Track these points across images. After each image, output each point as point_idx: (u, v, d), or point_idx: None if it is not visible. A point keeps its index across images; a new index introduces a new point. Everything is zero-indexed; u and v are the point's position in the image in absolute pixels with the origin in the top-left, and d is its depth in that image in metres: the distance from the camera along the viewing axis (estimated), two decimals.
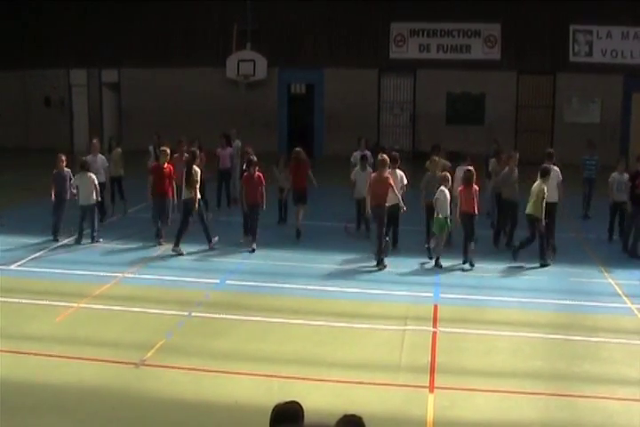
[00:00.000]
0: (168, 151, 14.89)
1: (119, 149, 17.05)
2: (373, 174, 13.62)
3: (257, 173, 14.29)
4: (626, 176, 14.91)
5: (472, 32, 27.14)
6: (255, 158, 14.51)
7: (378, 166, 13.43)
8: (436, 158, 14.53)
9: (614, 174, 15.28)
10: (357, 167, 15.61)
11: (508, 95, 27.05)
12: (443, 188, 13.43)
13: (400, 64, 27.59)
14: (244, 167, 14.77)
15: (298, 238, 15.15)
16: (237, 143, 18.75)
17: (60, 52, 28.53)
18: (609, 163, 16.77)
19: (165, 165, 14.72)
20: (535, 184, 13.52)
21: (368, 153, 16.58)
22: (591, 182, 17.48)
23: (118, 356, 9.33)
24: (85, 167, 14.81)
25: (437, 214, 13.39)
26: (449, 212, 13.49)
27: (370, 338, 10.21)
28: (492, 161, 16.19)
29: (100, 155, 16.17)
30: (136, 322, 10.68)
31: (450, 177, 13.81)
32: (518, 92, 27.26)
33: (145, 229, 14.52)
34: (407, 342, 9.96)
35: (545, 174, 13.44)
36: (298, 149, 16.04)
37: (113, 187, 16.91)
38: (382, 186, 13.14)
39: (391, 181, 13.26)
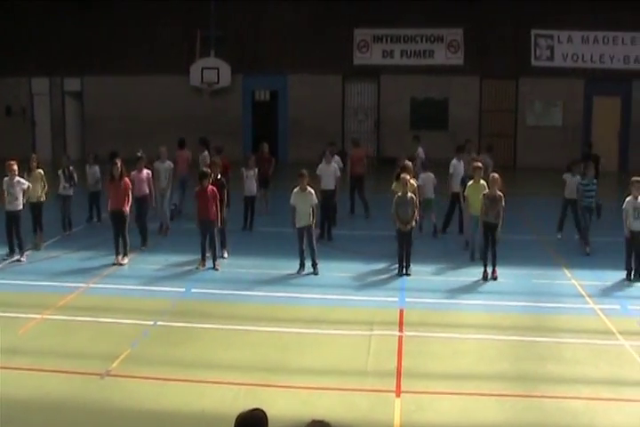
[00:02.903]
0: (119, 165, 14.03)
1: (40, 171, 15.24)
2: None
3: (210, 186, 13.66)
4: (578, 178, 15.39)
5: (435, 37, 27.33)
6: (209, 171, 14.00)
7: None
8: (407, 177, 13.54)
9: (567, 175, 15.74)
10: (322, 162, 16.26)
11: (472, 100, 27.28)
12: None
13: (364, 70, 27.71)
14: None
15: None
16: (168, 164, 16.71)
17: (21, 61, 28.23)
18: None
19: (122, 179, 14.07)
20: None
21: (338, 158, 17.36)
22: (591, 211, 15.10)
23: (83, 367, 9.25)
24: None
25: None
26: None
27: (336, 344, 10.22)
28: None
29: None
30: (101, 332, 10.58)
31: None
32: (481, 96, 27.50)
33: (109, 239, 14.40)
34: (373, 346, 9.98)
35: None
36: (264, 143, 18.49)
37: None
38: None
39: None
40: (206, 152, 18.02)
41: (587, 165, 15.33)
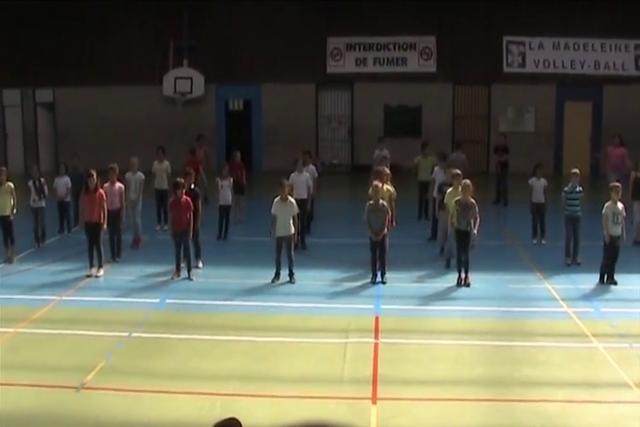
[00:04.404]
0: (94, 177, 13.95)
1: (10, 184, 14.92)
2: None
3: (184, 196, 13.61)
4: (543, 181, 15.73)
5: (408, 45, 27.46)
6: (183, 181, 13.85)
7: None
8: (379, 184, 13.49)
9: (533, 179, 15.88)
10: (295, 172, 16.04)
11: (445, 107, 27.41)
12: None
13: (337, 78, 27.76)
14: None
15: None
16: (139, 176, 16.29)
17: None
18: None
19: (97, 191, 13.98)
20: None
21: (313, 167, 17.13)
22: (575, 221, 14.42)
23: (58, 380, 9.18)
24: None
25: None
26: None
27: (312, 352, 10.22)
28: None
29: None
30: (75, 345, 10.51)
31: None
32: (454, 103, 27.65)
33: (83, 251, 14.31)
34: (349, 354, 9.99)
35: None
36: (237, 151, 18.46)
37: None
38: None
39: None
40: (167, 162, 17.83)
41: (573, 172, 14.75)
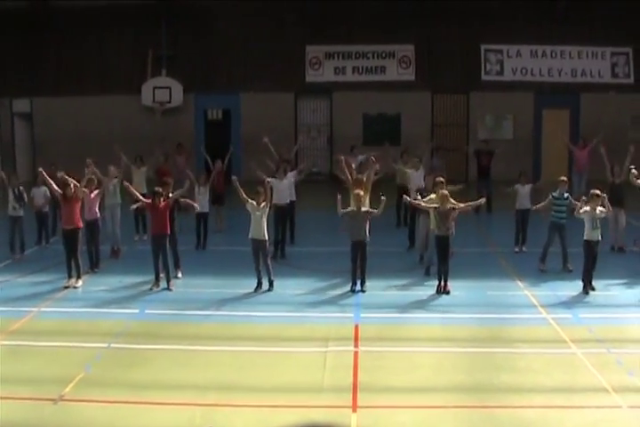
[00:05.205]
0: (72, 185, 13.93)
1: None
2: None
3: (162, 203, 13.58)
4: (528, 188, 15.83)
5: (386, 53, 27.57)
6: (160, 190, 13.80)
7: None
8: (360, 193, 13.47)
9: (517, 186, 15.91)
10: (275, 177, 15.94)
11: (424, 115, 27.52)
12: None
13: (316, 87, 27.81)
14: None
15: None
16: (116, 181, 16.10)
17: None
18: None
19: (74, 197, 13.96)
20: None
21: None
22: (560, 228, 14.42)
23: (36, 392, 9.10)
24: None
25: None
26: None
27: (292, 361, 10.20)
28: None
29: None
30: (54, 357, 10.43)
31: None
32: (433, 111, 27.77)
33: (61, 262, 14.20)
34: (329, 363, 9.97)
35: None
36: (218, 160, 18.74)
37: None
38: None
39: None
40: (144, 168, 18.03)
41: (562, 179, 14.67)
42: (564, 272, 14.20)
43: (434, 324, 11.76)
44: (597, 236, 13.13)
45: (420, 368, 9.91)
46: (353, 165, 17.08)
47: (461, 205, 13.36)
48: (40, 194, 16.61)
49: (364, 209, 13.37)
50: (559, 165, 25.56)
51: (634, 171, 14.89)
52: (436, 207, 13.23)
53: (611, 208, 13.33)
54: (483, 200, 14.22)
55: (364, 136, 27.32)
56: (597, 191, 13.25)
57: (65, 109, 27.66)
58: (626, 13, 26.15)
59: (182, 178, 16.33)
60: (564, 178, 14.89)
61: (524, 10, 26.38)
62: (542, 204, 14.68)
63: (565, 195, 14.49)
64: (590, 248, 13.09)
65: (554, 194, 14.53)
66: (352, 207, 13.39)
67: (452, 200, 13.33)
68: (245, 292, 13.30)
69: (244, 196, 13.44)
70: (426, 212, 14.00)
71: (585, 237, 13.11)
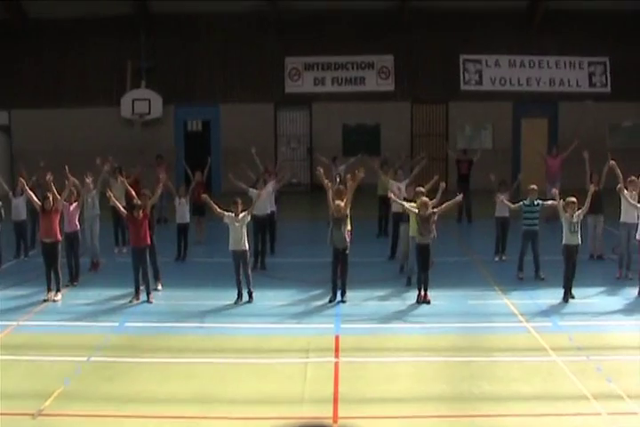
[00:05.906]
0: (51, 199, 13.84)
1: None
2: None
3: (141, 215, 13.49)
4: (507, 195, 15.82)
5: (366, 64, 27.70)
6: (140, 202, 13.73)
7: None
8: (341, 204, 13.33)
9: (498, 195, 15.95)
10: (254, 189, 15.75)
11: (403, 125, 27.66)
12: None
13: (296, 98, 27.88)
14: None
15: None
16: (94, 193, 16.08)
17: None
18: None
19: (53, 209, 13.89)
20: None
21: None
22: (533, 236, 14.58)
23: (14, 407, 9.01)
24: None
25: None
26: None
27: (272, 372, 10.17)
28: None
29: None
30: (32, 371, 10.34)
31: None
32: (412, 121, 27.91)
33: (40, 275, 14.10)
34: (310, 374, 9.96)
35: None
36: (198, 171, 18.55)
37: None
38: None
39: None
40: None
41: (531, 188, 14.76)
42: (544, 280, 14.27)
43: (414, 333, 11.77)
44: (576, 240, 13.19)
45: (401, 378, 9.91)
46: (338, 178, 16.97)
47: (442, 206, 13.41)
48: (18, 204, 16.51)
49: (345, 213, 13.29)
50: (538, 174, 25.68)
51: (620, 186, 14.64)
52: (417, 212, 13.25)
53: (587, 209, 13.43)
54: (460, 197, 14.20)
55: (344, 146, 27.39)
56: (573, 198, 13.34)
57: (43, 122, 27.55)
58: (602, 23, 26.47)
59: (165, 190, 16.29)
60: (534, 186, 14.93)
61: (503, 20, 26.64)
62: (513, 206, 14.84)
63: (536, 202, 14.60)
64: (569, 253, 13.16)
65: (525, 201, 14.66)
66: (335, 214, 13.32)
67: (430, 206, 13.37)
68: (226, 303, 13.26)
69: (219, 210, 13.44)
70: (407, 222, 14.05)
71: (563, 242, 13.20)
